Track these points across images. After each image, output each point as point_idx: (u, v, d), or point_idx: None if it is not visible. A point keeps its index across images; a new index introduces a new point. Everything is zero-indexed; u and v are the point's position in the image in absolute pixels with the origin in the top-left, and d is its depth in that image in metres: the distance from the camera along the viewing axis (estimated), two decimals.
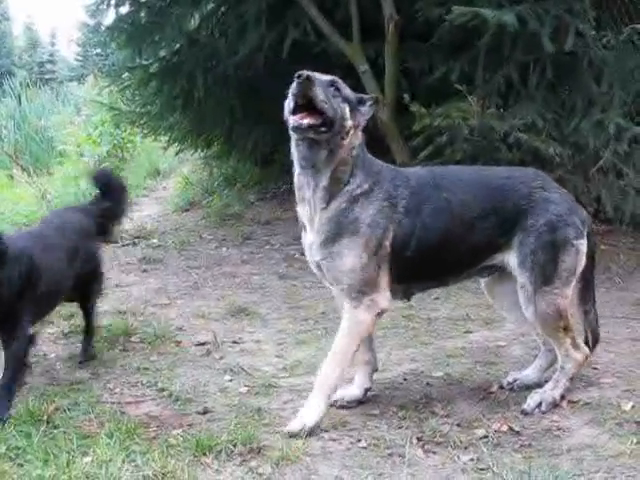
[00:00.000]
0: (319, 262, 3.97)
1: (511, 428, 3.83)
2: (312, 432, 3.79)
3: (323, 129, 3.82)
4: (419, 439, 3.72)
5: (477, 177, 4.22)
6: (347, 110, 3.91)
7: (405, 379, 4.49)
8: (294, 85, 3.75)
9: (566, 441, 3.70)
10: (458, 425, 3.88)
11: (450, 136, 6.69)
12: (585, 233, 4.10)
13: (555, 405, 4.04)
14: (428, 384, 4.41)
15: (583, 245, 4.08)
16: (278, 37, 8.38)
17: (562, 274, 4.01)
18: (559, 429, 3.83)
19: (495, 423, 3.88)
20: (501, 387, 4.30)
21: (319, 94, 3.77)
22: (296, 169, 4.01)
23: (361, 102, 4.06)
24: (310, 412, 3.85)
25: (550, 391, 4.09)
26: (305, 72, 3.73)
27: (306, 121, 3.77)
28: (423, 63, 7.68)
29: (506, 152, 6.72)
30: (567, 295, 4.06)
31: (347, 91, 4.00)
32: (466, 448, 3.65)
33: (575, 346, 4.14)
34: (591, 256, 4.19)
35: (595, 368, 4.56)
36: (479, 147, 6.76)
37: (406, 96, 7.09)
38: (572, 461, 3.49)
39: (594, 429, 3.80)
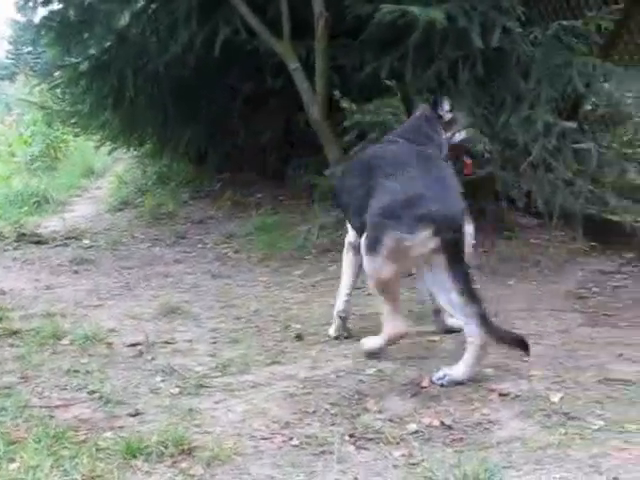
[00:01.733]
0: None
1: (442, 422, 3.84)
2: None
3: None
4: (351, 436, 3.72)
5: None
6: None
7: (338, 376, 4.48)
8: None
9: (496, 434, 3.72)
10: (390, 421, 3.89)
11: (380, 132, 6.71)
12: (419, 227, 4.30)
13: None
14: (361, 381, 4.40)
15: (408, 239, 4.31)
16: (209, 35, 8.37)
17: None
18: (490, 422, 3.85)
19: (427, 418, 3.89)
20: (432, 382, 4.33)
21: None
22: None
23: None
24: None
25: None
26: None
27: None
28: (354, 60, 7.71)
29: None
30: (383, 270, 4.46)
31: None
32: (398, 443, 3.65)
33: (390, 317, 4.59)
34: (453, 250, 4.33)
35: (525, 361, 4.59)
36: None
37: (337, 93, 7.10)
38: (501, 454, 3.52)
39: (523, 421, 3.83)
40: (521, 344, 4.35)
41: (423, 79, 7.07)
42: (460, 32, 6.72)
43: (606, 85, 7.04)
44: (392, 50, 7.25)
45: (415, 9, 6.55)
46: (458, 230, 4.33)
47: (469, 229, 4.53)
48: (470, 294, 4.29)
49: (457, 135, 5.11)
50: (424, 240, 4.31)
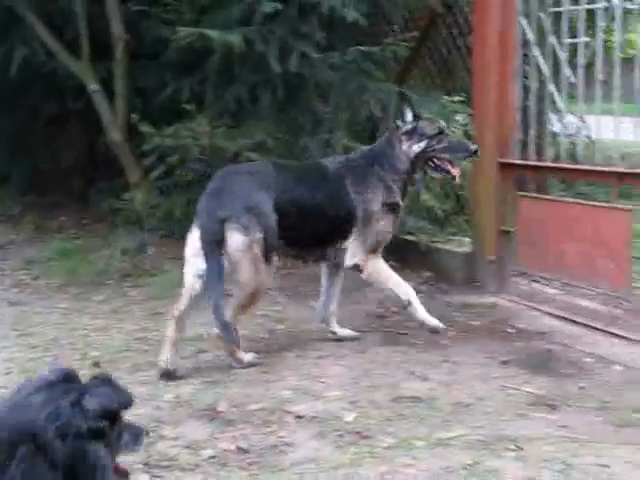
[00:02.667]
0: None
1: (239, 447, 3.85)
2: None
3: None
4: (145, 464, 3.68)
5: None
6: None
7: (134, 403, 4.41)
8: None
9: (290, 456, 3.76)
10: (187, 447, 3.87)
11: (181, 156, 6.70)
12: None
13: None
14: (158, 407, 4.36)
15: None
16: (6, 55, 8.11)
17: None
18: (285, 444, 3.89)
19: (223, 442, 3.90)
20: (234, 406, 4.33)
21: None
22: None
23: None
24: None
25: None
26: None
27: None
28: (154, 82, 7.65)
29: None
30: None
31: None
32: (193, 470, 3.64)
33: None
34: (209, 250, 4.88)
35: (323, 382, 4.69)
36: (210, 167, 6.80)
37: (134, 116, 7.02)
38: (295, 475, 3.56)
39: (318, 442, 3.89)
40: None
41: (223, 102, 7.09)
42: (259, 56, 6.79)
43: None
44: (193, 73, 7.25)
45: (213, 33, 6.59)
46: (211, 234, 4.83)
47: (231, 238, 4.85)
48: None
49: (416, 146, 5.24)
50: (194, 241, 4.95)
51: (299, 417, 4.18)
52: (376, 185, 5.25)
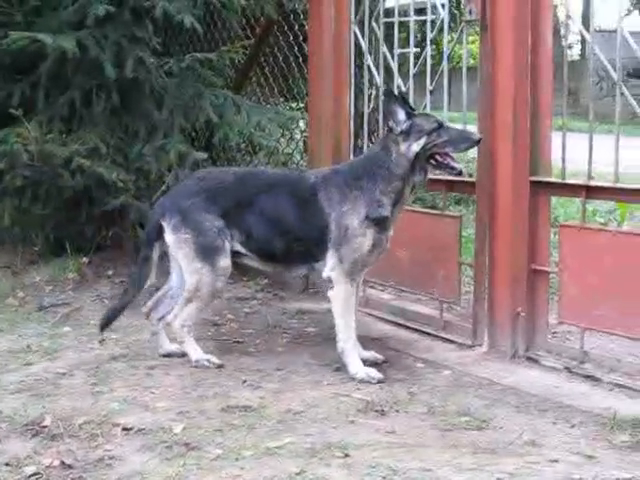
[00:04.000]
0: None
1: (63, 462, 3.72)
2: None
3: None
4: None
5: None
6: None
7: None
8: None
9: (117, 470, 3.67)
10: (7, 464, 3.72)
11: (9, 162, 6.49)
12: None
13: None
14: None
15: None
16: None
17: None
18: (111, 458, 3.78)
19: (47, 458, 3.76)
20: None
21: None
22: None
23: None
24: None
25: None
26: None
27: None
28: None
29: (69, 178, 6.63)
30: None
31: None
32: None
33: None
34: None
35: (153, 392, 4.62)
36: (40, 173, 6.63)
37: None
38: None
39: (145, 455, 3.81)
40: None
41: (56, 107, 6.91)
42: (93, 61, 6.65)
43: (237, 117, 7.21)
44: (24, 77, 7.02)
45: (45, 37, 6.40)
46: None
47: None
48: None
49: (415, 144, 4.86)
50: None
51: (126, 429, 4.08)
52: (357, 197, 4.98)
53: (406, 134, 4.87)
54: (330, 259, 4.98)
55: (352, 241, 4.92)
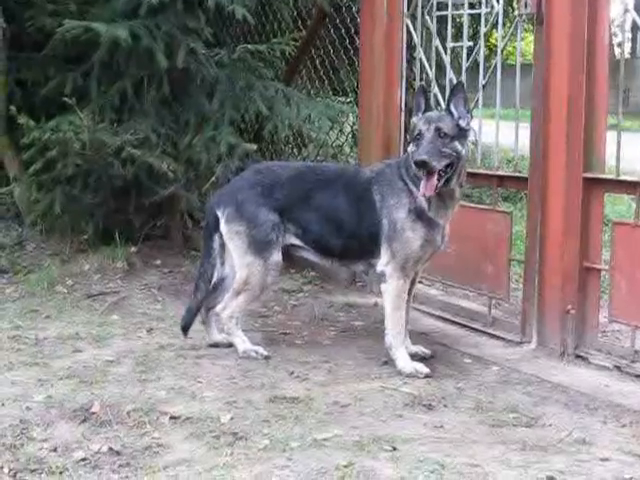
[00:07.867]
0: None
1: (111, 448, 3.75)
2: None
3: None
4: (11, 469, 3.55)
5: None
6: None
7: (2, 404, 4.28)
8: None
9: (165, 457, 3.68)
10: (55, 450, 3.75)
11: (61, 150, 6.53)
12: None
13: None
14: (28, 408, 4.22)
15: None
16: None
17: None
18: (159, 446, 3.80)
19: (95, 444, 3.79)
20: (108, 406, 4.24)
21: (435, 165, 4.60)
22: None
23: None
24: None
25: None
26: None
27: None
28: (37, 74, 7.42)
29: (119, 167, 6.67)
30: None
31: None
32: (61, 473, 3.53)
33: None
34: None
35: (200, 382, 4.63)
36: (91, 162, 6.67)
37: (13, 108, 6.76)
38: (168, 477, 3.49)
39: (192, 443, 3.82)
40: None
41: (108, 97, 6.95)
42: (145, 51, 6.68)
43: (287, 109, 7.20)
44: (77, 66, 7.08)
45: (99, 26, 6.45)
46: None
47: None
48: None
49: (411, 145, 4.80)
50: None
51: (174, 418, 4.10)
52: (402, 190, 4.92)
53: (411, 134, 4.96)
54: (384, 254, 4.94)
55: (402, 236, 4.88)
